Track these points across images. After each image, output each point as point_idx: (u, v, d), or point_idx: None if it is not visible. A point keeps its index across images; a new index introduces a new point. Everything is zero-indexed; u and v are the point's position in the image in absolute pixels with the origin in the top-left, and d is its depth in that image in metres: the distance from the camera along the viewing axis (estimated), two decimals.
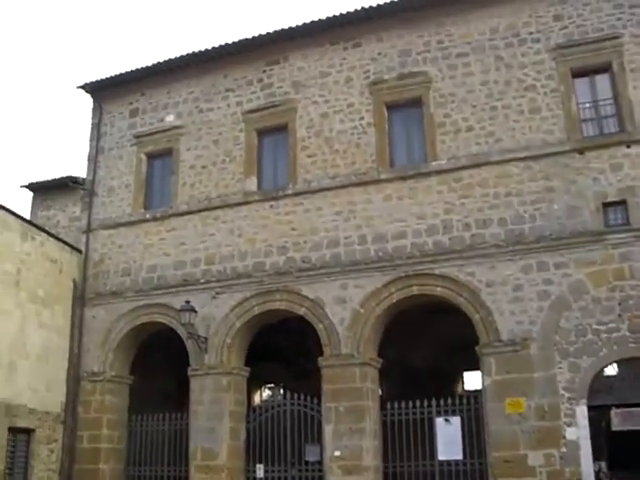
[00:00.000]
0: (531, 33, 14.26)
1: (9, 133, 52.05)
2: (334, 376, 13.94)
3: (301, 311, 14.65)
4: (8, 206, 15.07)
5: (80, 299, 16.62)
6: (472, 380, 20.89)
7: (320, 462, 14.22)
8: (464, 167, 13.98)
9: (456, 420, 13.61)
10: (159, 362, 17.76)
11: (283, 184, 15.62)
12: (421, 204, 14.12)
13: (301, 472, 14.66)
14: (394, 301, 13.97)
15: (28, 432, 15.06)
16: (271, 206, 15.37)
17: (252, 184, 15.88)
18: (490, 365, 12.91)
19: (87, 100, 18.38)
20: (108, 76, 17.74)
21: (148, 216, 16.71)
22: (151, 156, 17.42)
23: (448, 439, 13.54)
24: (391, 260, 14.01)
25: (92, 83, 17.94)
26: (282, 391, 21.50)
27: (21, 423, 14.72)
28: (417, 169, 14.44)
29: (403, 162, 14.88)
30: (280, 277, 14.83)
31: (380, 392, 14.96)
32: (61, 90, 56.46)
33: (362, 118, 15.14)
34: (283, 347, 19.22)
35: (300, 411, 14.78)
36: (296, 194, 15.22)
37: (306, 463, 14.81)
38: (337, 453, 13.55)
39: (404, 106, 15.10)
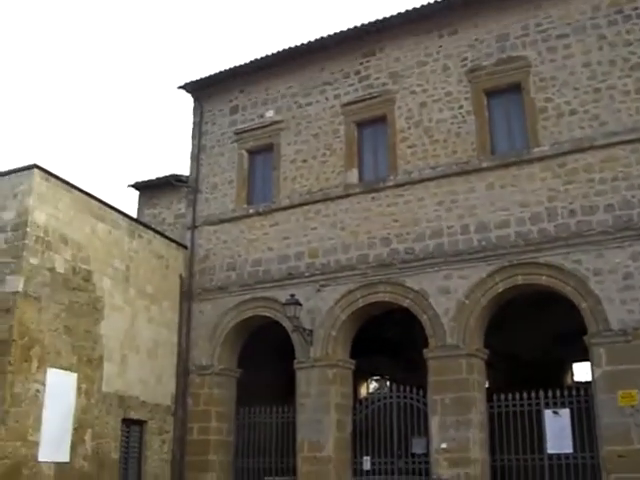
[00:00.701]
0: (636, 9, 15.11)
1: (116, 135, 56.91)
2: (440, 367, 15.37)
3: (405, 303, 16.23)
4: (116, 206, 17.35)
5: (187, 294, 18.92)
6: (582, 371, 21.72)
7: (426, 454, 15.66)
8: (568, 152, 15.06)
9: (565, 412, 14.62)
10: (265, 355, 19.83)
11: (384, 175, 17.29)
12: (524, 192, 15.35)
13: (407, 464, 16.17)
14: (499, 291, 15.27)
15: (141, 423, 17.35)
16: (372, 198, 17.07)
17: (353, 176, 17.65)
18: (600, 356, 13.91)
19: (188, 100, 20.55)
20: (207, 75, 20.01)
21: (251, 211, 18.84)
22: (252, 152, 19.57)
23: (557, 432, 14.55)
24: (495, 249, 15.34)
25: (192, 83, 20.26)
26: (388, 383, 23.18)
27: (134, 415, 16.97)
28: (519, 156, 15.69)
29: (504, 149, 16.17)
30: (384, 269, 16.47)
31: (487, 384, 16.23)
32: (163, 91, 60.86)
33: (461, 106, 16.54)
34: (388, 339, 20.92)
35: (407, 403, 16.35)
36: (397, 185, 16.83)
37: (412, 455, 16.31)
38: (443, 445, 14.89)
39: (503, 92, 16.39)
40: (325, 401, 16.55)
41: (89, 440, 15.19)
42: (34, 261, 14.21)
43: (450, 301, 15.51)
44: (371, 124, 17.89)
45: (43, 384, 14.02)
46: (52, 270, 14.64)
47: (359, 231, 17.02)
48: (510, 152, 15.95)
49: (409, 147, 16.95)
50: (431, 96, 16.92)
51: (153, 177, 21.01)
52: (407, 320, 16.84)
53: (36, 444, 13.70)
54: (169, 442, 18.05)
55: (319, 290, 17.10)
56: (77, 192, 15.85)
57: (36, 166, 14.74)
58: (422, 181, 16.52)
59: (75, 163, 56.31)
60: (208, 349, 18.38)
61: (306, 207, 17.88)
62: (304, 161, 18.30)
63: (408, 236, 16.35)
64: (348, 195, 17.39)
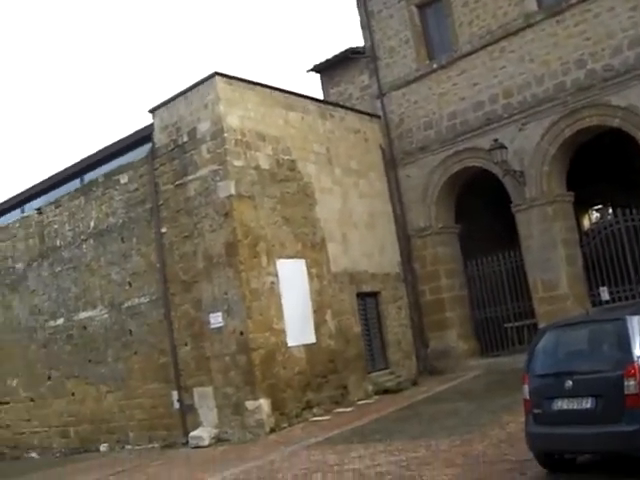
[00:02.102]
0: None
1: (281, 24, 59.34)
2: None
3: (615, 123, 16.70)
4: (302, 92, 18.86)
5: (390, 162, 20.66)
6: None
7: None
8: None
9: None
10: (480, 206, 21.28)
11: None
12: None
13: None
14: None
15: (374, 295, 19.51)
16: (557, 21, 17.39)
17: (531, 3, 17.98)
18: None
19: None
20: None
21: (435, 66, 19.90)
22: (421, 6, 20.41)
23: None
24: None
25: None
26: (611, 210, 23.81)
27: (366, 288, 19.08)
28: None
29: None
30: (584, 93, 16.96)
31: None
32: None
33: None
34: (602, 165, 21.40)
35: (635, 226, 17.12)
36: (582, 0, 17.02)
37: None
38: None
39: None
40: (550, 238, 17.73)
41: (330, 319, 17.43)
42: (238, 163, 16.00)
43: None
44: None
45: (276, 275, 16.11)
46: (257, 168, 16.44)
47: (550, 59, 17.49)
48: None
49: None
50: None
51: (330, 56, 22.30)
52: (619, 141, 17.38)
53: (283, 331, 15.96)
54: (405, 308, 20.22)
55: (521, 129, 17.95)
56: (261, 88, 17.30)
57: (217, 73, 16.18)
58: None
59: (250, 61, 59.58)
60: (423, 211, 20.11)
61: (489, 48, 18.56)
62: (476, 1, 18.89)
63: (604, 52, 16.56)
64: (530, 25, 17.80)
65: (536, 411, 7.98)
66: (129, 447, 17.48)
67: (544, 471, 8.22)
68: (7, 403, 21.88)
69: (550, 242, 17.78)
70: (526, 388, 8.20)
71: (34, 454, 20.60)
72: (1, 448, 21.99)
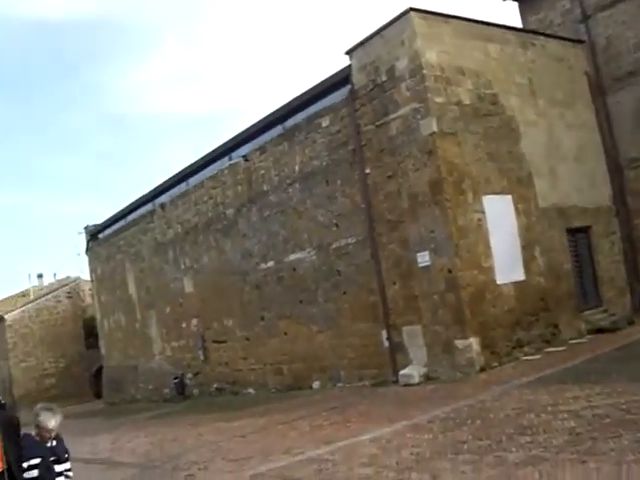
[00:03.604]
0: None
1: None
2: None
3: None
4: (500, 22, 18.25)
5: (597, 90, 19.69)
6: None
7: None
8: None
9: None
10: None
11: None
12: None
13: None
14: None
15: (585, 230, 18.90)
16: None
17: None
18: None
19: None
20: None
21: None
22: None
23: None
24: None
25: None
26: None
27: (576, 223, 18.54)
28: None
29: None
30: None
31: None
32: None
33: None
34: None
35: None
36: None
37: None
38: None
39: None
40: None
41: (539, 256, 17.15)
42: (439, 100, 15.85)
43: None
44: None
45: (482, 212, 15.97)
46: (459, 103, 16.23)
47: None
48: None
49: None
50: None
51: None
52: None
53: (491, 269, 15.86)
54: (617, 243, 19.48)
55: None
56: (457, 21, 16.87)
57: (411, 9, 15.96)
58: None
59: None
60: (636, 140, 19.07)
61: None
62: None
63: None
64: None
65: None
66: (340, 385, 18.15)
67: None
68: (225, 342, 23.42)
69: None
70: None
71: (251, 390, 21.96)
72: (221, 384, 23.64)
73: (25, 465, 5.57)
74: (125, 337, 32.35)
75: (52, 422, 5.78)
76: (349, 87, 17.56)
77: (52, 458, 5.80)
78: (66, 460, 6.02)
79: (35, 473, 5.61)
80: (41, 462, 5.65)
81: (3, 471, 5.37)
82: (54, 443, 5.89)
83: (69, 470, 6.04)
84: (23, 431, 5.86)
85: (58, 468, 5.83)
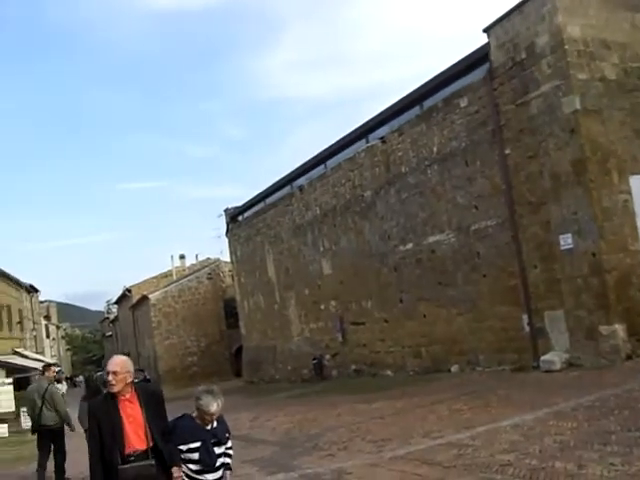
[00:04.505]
0: None
1: None
2: None
3: None
4: None
5: None
6: None
7: None
8: None
9: None
10: None
11: None
12: None
13: None
14: None
15: None
16: None
17: None
18: None
19: None
20: None
21: None
22: None
23: None
24: None
25: None
26: None
27: None
28: None
29: None
30: None
31: None
32: None
33: None
34: None
35: None
36: None
37: None
38: None
39: None
40: None
41: None
42: (582, 76, 15.36)
43: None
44: None
45: (628, 193, 15.36)
46: (603, 79, 15.64)
47: None
48: None
49: None
50: None
51: None
52: None
53: (638, 253, 15.20)
54: None
55: None
56: None
57: None
58: None
59: None
60: None
61: None
62: None
63: None
64: None
65: None
66: (479, 369, 18.20)
67: None
68: (363, 324, 23.89)
69: None
70: None
71: (389, 372, 22.34)
72: (359, 365, 24.15)
73: (184, 448, 5.52)
74: (264, 318, 33.44)
75: (214, 406, 5.60)
76: (487, 66, 17.47)
77: (213, 441, 5.65)
78: (227, 440, 5.88)
79: (195, 456, 5.54)
80: (201, 445, 5.55)
81: (148, 448, 5.34)
82: (215, 425, 5.73)
83: (229, 449, 5.91)
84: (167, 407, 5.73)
85: (218, 450, 5.69)
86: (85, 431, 11.76)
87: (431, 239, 19.92)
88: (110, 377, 5.37)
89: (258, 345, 34.85)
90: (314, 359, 27.43)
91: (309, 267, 27.72)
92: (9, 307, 42.54)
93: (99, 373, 28.78)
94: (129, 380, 5.45)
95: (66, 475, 12.15)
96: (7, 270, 42.43)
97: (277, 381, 31.24)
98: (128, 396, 5.45)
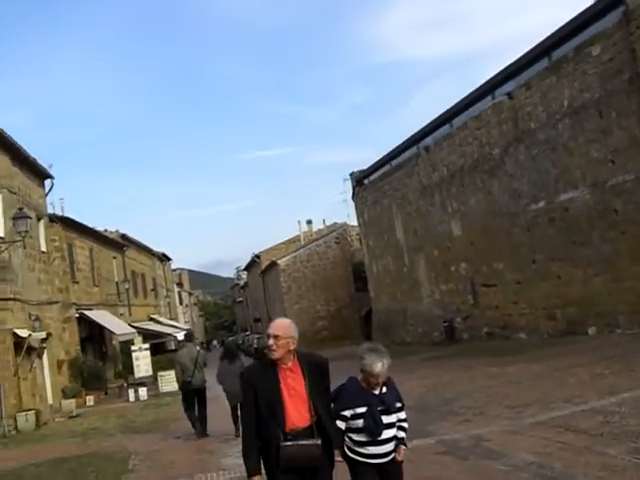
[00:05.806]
0: None
1: None
2: None
3: None
4: None
5: None
6: None
7: None
8: None
9: None
10: None
11: None
12: None
13: None
14: None
15: None
16: None
17: None
18: None
19: None
20: None
21: None
22: None
23: None
24: None
25: None
26: None
27: None
28: None
29: None
30: None
31: None
32: None
33: None
34: None
35: None
36: None
37: None
38: None
39: None
40: None
41: None
42: None
43: None
44: None
45: None
46: None
47: None
48: None
49: None
50: None
51: None
52: None
53: None
54: None
55: None
56: None
57: None
58: None
59: None
60: None
61: None
62: None
63: None
64: None
65: None
66: (619, 331, 17.62)
67: None
68: (494, 285, 23.60)
69: None
70: None
71: (522, 335, 22.02)
72: (491, 328, 23.91)
73: (349, 414, 5.04)
74: (393, 281, 33.53)
75: (378, 366, 5.07)
76: (622, 9, 16.70)
77: (380, 408, 5.09)
78: (399, 410, 5.28)
79: (360, 423, 5.02)
80: (367, 411, 5.02)
81: (312, 425, 4.74)
82: (383, 390, 5.20)
83: (403, 420, 5.31)
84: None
85: (386, 419, 5.10)
86: (223, 389, 12.71)
87: (564, 196, 19.36)
88: (271, 341, 4.76)
89: (388, 308, 35.01)
90: (445, 322, 27.35)
91: (438, 228, 27.55)
92: (143, 275, 44.54)
93: (230, 339, 29.64)
94: (292, 347, 4.80)
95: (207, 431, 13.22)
96: (140, 239, 44.38)
97: (408, 344, 31.28)
98: (290, 365, 4.83)
